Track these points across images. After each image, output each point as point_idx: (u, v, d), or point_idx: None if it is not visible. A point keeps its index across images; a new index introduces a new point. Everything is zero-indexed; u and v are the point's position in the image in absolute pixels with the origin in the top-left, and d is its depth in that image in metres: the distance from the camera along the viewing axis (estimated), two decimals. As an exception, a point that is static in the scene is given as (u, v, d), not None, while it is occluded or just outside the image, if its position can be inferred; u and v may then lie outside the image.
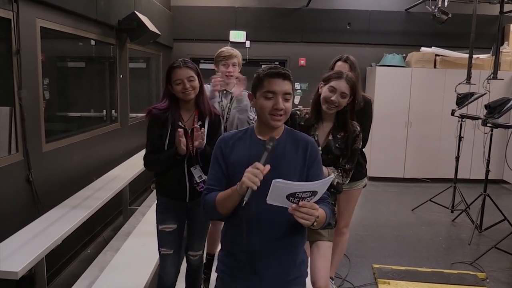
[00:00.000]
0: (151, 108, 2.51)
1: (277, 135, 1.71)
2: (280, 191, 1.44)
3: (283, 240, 1.69)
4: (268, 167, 1.51)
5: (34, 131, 3.31)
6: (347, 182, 2.40)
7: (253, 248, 1.66)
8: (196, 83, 2.41)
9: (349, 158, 2.37)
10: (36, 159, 3.30)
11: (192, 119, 2.47)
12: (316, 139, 2.32)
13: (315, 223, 1.53)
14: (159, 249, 2.55)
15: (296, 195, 1.45)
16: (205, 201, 1.69)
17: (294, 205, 1.47)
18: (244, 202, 1.47)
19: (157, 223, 2.55)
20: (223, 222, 1.83)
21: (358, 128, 2.39)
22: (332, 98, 2.28)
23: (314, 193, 1.48)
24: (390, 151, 6.92)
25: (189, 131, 2.44)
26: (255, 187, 1.48)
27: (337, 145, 2.35)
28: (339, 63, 2.94)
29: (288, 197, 1.45)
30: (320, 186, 1.49)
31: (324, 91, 2.33)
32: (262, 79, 1.68)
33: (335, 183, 2.32)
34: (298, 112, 2.47)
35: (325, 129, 2.38)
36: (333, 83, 2.29)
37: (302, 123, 2.39)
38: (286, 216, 1.63)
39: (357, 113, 2.97)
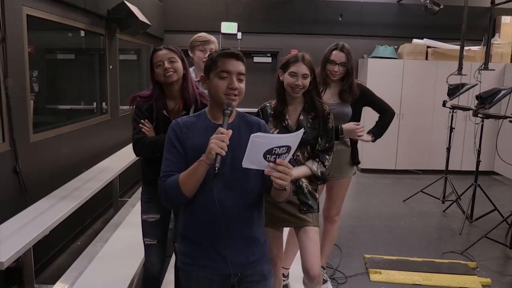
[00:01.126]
0: (135, 96, 2.45)
1: (230, 119, 1.70)
2: (258, 148, 1.44)
3: (241, 215, 1.68)
4: (230, 131, 1.53)
5: (21, 121, 3.25)
6: (330, 160, 2.41)
7: (216, 225, 1.62)
8: (179, 65, 2.34)
9: (327, 138, 2.39)
10: (23, 149, 3.25)
11: (178, 108, 2.41)
12: (287, 123, 2.36)
13: (287, 188, 1.56)
14: (143, 240, 2.52)
15: (273, 151, 1.46)
16: (166, 186, 1.62)
17: (271, 164, 1.47)
18: (217, 168, 1.46)
19: (141, 212, 2.51)
20: None
21: (328, 108, 2.41)
22: (296, 83, 2.31)
23: (288, 149, 1.49)
24: (382, 143, 6.76)
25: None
26: (223, 153, 1.47)
27: (308, 124, 2.36)
28: (335, 52, 2.89)
29: (265, 155, 1.46)
30: (294, 139, 1.49)
31: (286, 78, 2.35)
32: (216, 60, 1.67)
33: (319, 173, 2.35)
34: (268, 104, 2.49)
35: (296, 112, 2.41)
36: (292, 68, 2.32)
37: (272, 113, 2.41)
38: (244, 190, 1.68)
39: (360, 101, 2.99)
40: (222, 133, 1.49)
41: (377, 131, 3.13)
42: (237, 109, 1.79)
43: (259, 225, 1.78)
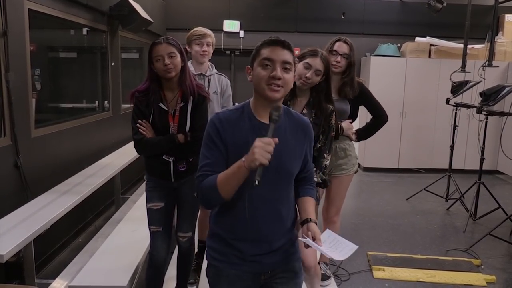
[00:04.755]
0: (133, 92, 2.46)
1: None
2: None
3: (281, 226, 1.64)
4: (276, 139, 1.41)
5: (23, 116, 3.23)
6: (328, 160, 2.44)
7: (252, 234, 1.60)
8: (178, 60, 2.35)
9: (327, 135, 2.40)
10: (24, 144, 3.23)
11: (176, 100, 2.42)
12: None
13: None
14: (149, 227, 2.53)
15: None
16: (203, 187, 1.53)
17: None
18: (257, 181, 1.36)
19: (146, 202, 2.53)
20: None
21: (331, 107, 2.42)
22: (307, 75, 2.32)
23: None
24: (384, 142, 6.88)
25: (172, 112, 2.40)
26: (267, 163, 1.37)
27: (311, 119, 2.35)
28: (338, 43, 2.86)
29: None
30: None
31: (299, 67, 2.35)
32: (260, 48, 1.56)
33: (320, 181, 2.39)
34: None
35: (301, 104, 2.42)
36: (308, 60, 2.34)
37: None
38: (283, 192, 1.63)
39: (358, 100, 2.96)
40: (268, 143, 1.39)
41: (363, 134, 3.10)
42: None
43: (292, 226, 1.72)
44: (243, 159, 1.42)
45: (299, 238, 1.60)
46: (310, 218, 1.66)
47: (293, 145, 1.62)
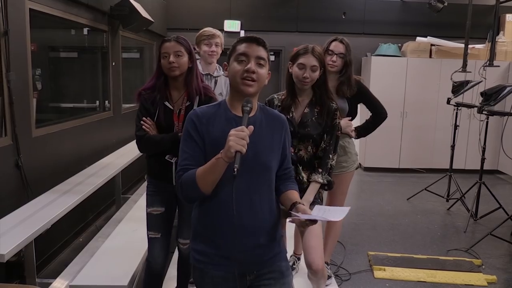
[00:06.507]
0: (140, 91, 2.45)
1: (251, 113, 1.62)
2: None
3: (259, 215, 1.64)
4: (251, 127, 1.46)
5: (23, 115, 3.24)
6: (334, 160, 2.43)
7: (235, 227, 1.57)
8: (184, 60, 2.35)
9: (332, 135, 2.38)
10: (25, 144, 3.23)
11: (181, 99, 2.42)
12: (291, 115, 2.35)
13: None
14: (147, 233, 2.48)
15: None
16: (182, 181, 1.55)
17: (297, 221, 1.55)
18: (235, 170, 1.37)
19: (146, 206, 2.49)
20: None
21: (335, 105, 2.40)
22: (304, 75, 2.31)
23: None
24: (385, 142, 6.89)
25: (177, 111, 2.40)
26: (244, 150, 1.39)
27: (313, 118, 2.35)
28: (335, 43, 2.88)
29: None
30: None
31: (294, 70, 2.35)
32: (236, 45, 1.63)
33: (325, 182, 2.38)
34: (276, 96, 2.49)
35: (303, 104, 2.41)
36: (301, 60, 2.32)
37: (280, 104, 2.42)
38: (264, 188, 1.65)
39: (357, 98, 2.97)
40: (241, 130, 1.42)
41: (363, 131, 3.10)
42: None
43: (277, 223, 1.72)
44: (221, 151, 1.45)
45: (288, 218, 1.59)
46: (296, 202, 1.67)
47: (269, 139, 1.67)
